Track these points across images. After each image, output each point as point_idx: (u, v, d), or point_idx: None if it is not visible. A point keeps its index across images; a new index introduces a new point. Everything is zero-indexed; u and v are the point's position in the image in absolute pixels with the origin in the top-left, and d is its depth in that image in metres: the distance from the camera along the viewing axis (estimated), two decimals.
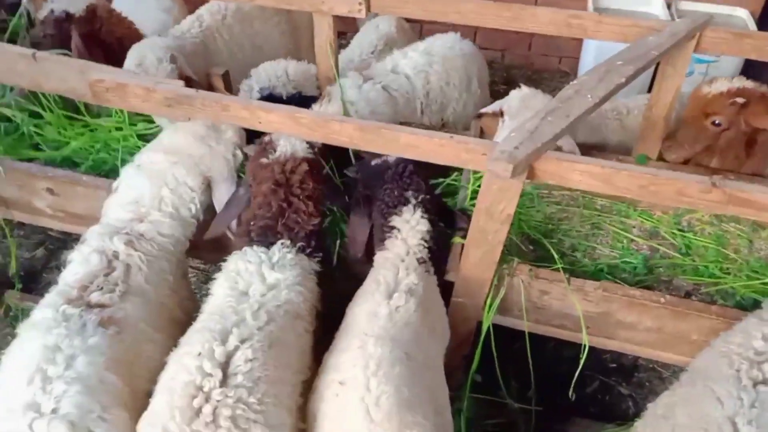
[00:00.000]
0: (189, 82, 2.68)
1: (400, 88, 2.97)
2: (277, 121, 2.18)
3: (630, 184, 2.01)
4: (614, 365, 3.26)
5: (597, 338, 2.49)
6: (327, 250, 2.37)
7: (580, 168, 2.02)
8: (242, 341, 1.81)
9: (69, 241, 3.58)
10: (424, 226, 2.19)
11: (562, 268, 2.42)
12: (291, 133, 2.22)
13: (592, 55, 4.54)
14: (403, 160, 2.27)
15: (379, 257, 2.17)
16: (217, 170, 2.36)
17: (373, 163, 2.31)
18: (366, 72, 3.04)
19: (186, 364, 1.74)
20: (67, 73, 2.28)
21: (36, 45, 2.98)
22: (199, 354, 1.75)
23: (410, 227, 2.17)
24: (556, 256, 2.45)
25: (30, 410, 1.66)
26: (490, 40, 5.62)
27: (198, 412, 1.64)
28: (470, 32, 5.45)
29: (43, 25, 3.04)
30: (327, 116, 2.20)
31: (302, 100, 2.81)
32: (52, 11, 3.03)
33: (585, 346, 2.38)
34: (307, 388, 1.97)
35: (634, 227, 2.75)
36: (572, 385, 2.47)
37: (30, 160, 2.82)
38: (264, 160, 2.26)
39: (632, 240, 2.69)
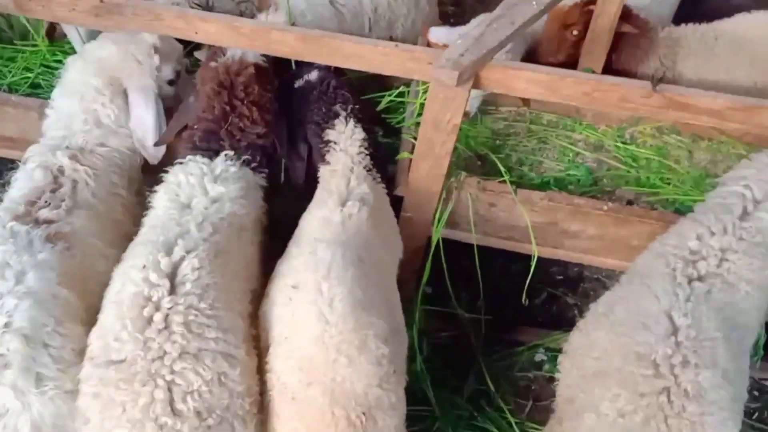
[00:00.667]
0: None
1: (348, 3, 2.87)
2: (215, 31, 2.09)
3: (574, 91, 2.02)
4: (561, 277, 3.35)
5: (544, 248, 2.53)
6: (275, 167, 2.33)
7: (526, 76, 2.01)
8: (188, 252, 1.79)
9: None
10: (360, 134, 2.17)
11: (509, 181, 2.45)
12: (230, 44, 2.13)
13: None
14: (326, 77, 2.24)
15: (324, 171, 2.14)
16: (127, 73, 2.23)
17: (296, 85, 2.26)
18: None
19: (132, 277, 1.73)
20: None
21: None
22: (144, 266, 1.73)
23: (346, 137, 2.15)
24: (503, 169, 2.47)
25: None
26: None
27: (149, 320, 1.64)
28: None
29: None
30: (268, 25, 2.11)
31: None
32: None
33: (534, 255, 2.43)
34: (256, 297, 1.97)
35: (579, 141, 2.79)
36: (524, 294, 2.53)
37: None
38: (212, 63, 2.19)
39: (578, 153, 2.73)
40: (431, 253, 2.46)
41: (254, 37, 2.08)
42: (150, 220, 1.98)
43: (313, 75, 2.24)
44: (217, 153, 2.11)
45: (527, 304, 2.62)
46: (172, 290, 1.70)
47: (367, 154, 2.17)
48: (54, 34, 2.82)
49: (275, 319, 1.85)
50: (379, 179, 2.21)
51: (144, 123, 2.21)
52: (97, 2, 2.06)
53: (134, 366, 1.59)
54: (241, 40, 2.10)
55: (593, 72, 2.86)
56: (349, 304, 1.73)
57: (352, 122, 2.16)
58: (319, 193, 2.11)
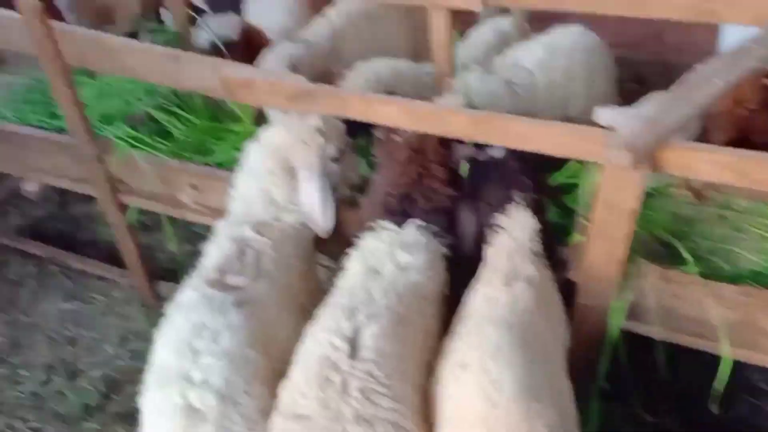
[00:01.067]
0: None
1: (522, 82, 2.91)
2: (393, 113, 2.21)
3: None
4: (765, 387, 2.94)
5: (738, 350, 2.25)
6: (456, 235, 2.36)
7: (710, 158, 1.85)
8: (369, 318, 1.86)
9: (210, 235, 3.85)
10: (532, 221, 2.12)
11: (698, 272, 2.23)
12: (407, 126, 2.24)
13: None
14: (509, 159, 2.22)
15: (490, 251, 2.12)
16: (296, 154, 2.38)
17: (479, 159, 2.27)
18: (487, 66, 3.00)
19: (318, 338, 1.84)
20: (203, 72, 2.46)
21: None
22: (329, 329, 1.83)
23: (517, 224, 2.12)
24: (689, 257, 2.26)
25: (182, 380, 1.82)
26: (620, 36, 5.34)
27: (329, 381, 1.71)
28: (597, 28, 5.25)
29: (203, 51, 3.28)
30: (441, 108, 2.19)
31: None
32: (213, 41, 3.30)
33: (726, 356, 2.17)
34: (431, 371, 1.97)
35: None
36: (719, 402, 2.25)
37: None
38: (396, 138, 2.31)
39: None
40: (609, 346, 2.30)
41: (429, 120, 2.17)
42: (341, 281, 2.10)
43: (498, 153, 2.24)
44: (408, 217, 2.22)
45: (722, 413, 2.33)
46: (353, 354, 1.77)
47: (537, 239, 2.12)
48: (259, 117, 3.17)
49: (441, 397, 1.84)
50: (548, 264, 2.14)
51: (312, 199, 2.36)
52: (294, 90, 2.29)
53: (316, 423, 1.67)
54: (417, 122, 2.20)
55: None
56: (517, 389, 1.67)
57: (526, 211, 2.13)
58: (485, 272, 2.09)
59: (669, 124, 1.87)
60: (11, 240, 4.10)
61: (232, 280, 2.16)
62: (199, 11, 3.53)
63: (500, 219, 2.14)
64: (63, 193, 4.37)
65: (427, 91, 2.90)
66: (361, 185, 2.62)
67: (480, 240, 2.17)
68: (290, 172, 2.41)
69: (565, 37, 3.22)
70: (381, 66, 3.13)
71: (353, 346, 1.77)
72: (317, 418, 1.65)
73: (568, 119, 3.05)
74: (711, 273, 2.32)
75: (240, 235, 2.29)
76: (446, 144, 2.28)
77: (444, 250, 2.21)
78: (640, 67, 5.14)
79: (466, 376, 1.76)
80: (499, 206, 2.15)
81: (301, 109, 2.36)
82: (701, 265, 2.31)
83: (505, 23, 3.79)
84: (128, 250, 3.32)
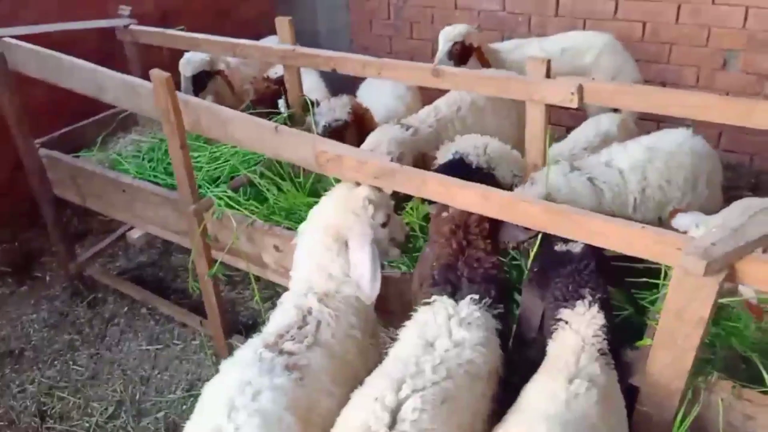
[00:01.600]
0: None
1: (609, 182, 2.89)
2: (469, 198, 2.28)
3: None
4: None
5: None
6: (507, 305, 2.37)
7: None
8: (414, 391, 1.88)
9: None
10: (600, 320, 2.09)
11: None
12: (481, 211, 2.30)
13: None
14: (588, 255, 2.21)
15: (554, 346, 2.10)
16: (348, 225, 2.43)
17: (556, 248, 2.28)
18: (577, 162, 3.03)
19: (362, 404, 1.89)
20: (300, 145, 2.65)
21: None
22: (376, 399, 1.86)
23: (584, 321, 2.09)
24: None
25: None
26: (738, 143, 5.25)
27: None
28: (714, 134, 5.17)
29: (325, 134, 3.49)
30: (516, 197, 2.24)
31: (487, 177, 2.87)
32: (328, 124, 3.54)
33: None
34: None
35: None
36: None
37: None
38: (444, 214, 2.44)
39: None
40: None
41: (503, 207, 2.22)
42: (394, 350, 2.14)
43: (577, 247, 2.25)
44: (455, 287, 2.27)
45: None
46: (392, 425, 1.79)
47: (603, 338, 2.09)
48: None
49: None
50: (613, 365, 2.09)
51: (362, 266, 2.39)
52: (377, 168, 2.43)
53: None
54: (491, 209, 2.26)
55: None
56: None
57: (595, 308, 2.11)
58: (547, 366, 2.07)
59: (752, 236, 1.83)
60: (112, 281, 4.42)
61: (289, 345, 2.22)
62: (314, 103, 3.80)
63: (567, 314, 2.12)
64: (166, 243, 4.71)
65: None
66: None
67: (540, 328, 2.16)
68: (344, 245, 2.45)
69: (667, 139, 3.17)
70: (492, 142, 3.18)
71: (394, 417, 1.79)
72: None
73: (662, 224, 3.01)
74: None
75: (304, 304, 2.37)
76: (495, 223, 2.39)
77: (497, 324, 2.22)
78: (758, 175, 4.99)
79: None
80: (568, 301, 2.14)
81: (384, 186, 2.48)
82: None
83: (607, 121, 3.81)
84: (210, 301, 3.50)
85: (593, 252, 2.23)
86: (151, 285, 4.46)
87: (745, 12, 4.92)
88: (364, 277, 2.39)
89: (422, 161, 3.38)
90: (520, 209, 2.19)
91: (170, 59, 4.28)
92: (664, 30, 5.29)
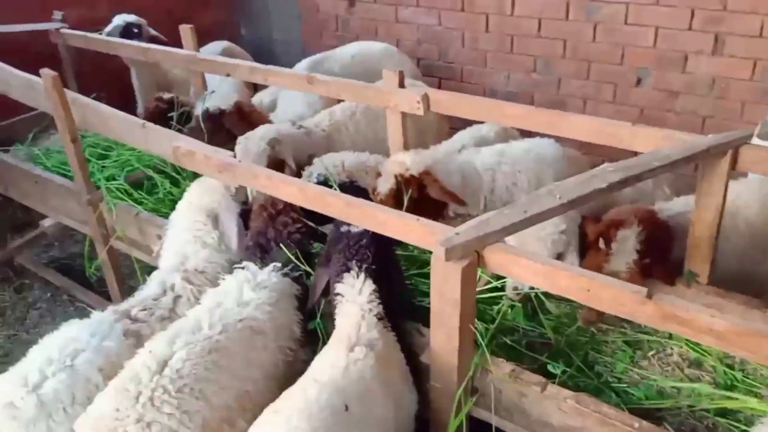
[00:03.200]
0: (282, 165, 3.25)
1: (464, 180, 3.15)
2: (289, 190, 2.55)
3: (571, 285, 1.97)
4: None
5: None
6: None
7: (524, 263, 2.04)
8: (187, 344, 2.16)
9: None
10: (370, 287, 2.37)
11: (559, 380, 2.36)
12: (299, 202, 2.57)
13: None
14: (364, 235, 2.47)
15: (338, 318, 2.36)
16: (216, 202, 2.91)
17: (341, 229, 2.55)
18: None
19: (140, 357, 2.16)
20: (162, 140, 2.93)
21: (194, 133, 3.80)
22: (150, 351, 2.15)
23: (356, 291, 2.37)
24: (551, 364, 2.39)
25: (20, 380, 2.15)
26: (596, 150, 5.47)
27: (127, 390, 2.02)
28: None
29: (201, 119, 3.81)
30: (325, 192, 2.50)
31: (354, 189, 3.15)
32: (207, 109, 3.82)
33: None
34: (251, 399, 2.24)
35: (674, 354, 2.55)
36: None
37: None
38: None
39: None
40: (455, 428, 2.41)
41: (315, 199, 2.49)
42: (190, 311, 2.41)
43: (356, 229, 2.51)
44: (264, 251, 2.61)
45: None
46: (157, 372, 2.06)
47: (378, 303, 2.36)
48: None
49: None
50: (390, 327, 2.37)
51: (230, 231, 2.86)
52: (219, 163, 2.71)
53: (105, 422, 1.96)
54: (305, 200, 2.52)
55: (695, 276, 2.65)
56: None
57: (362, 276, 2.39)
58: (332, 339, 2.33)
59: (494, 227, 2.08)
60: (38, 269, 4.71)
61: (138, 314, 2.52)
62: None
63: (340, 287, 2.41)
64: None
65: None
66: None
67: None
68: (215, 219, 2.89)
69: (520, 146, 3.42)
70: (348, 157, 3.48)
71: (162, 366, 2.07)
72: (107, 418, 1.96)
73: None
74: (582, 382, 2.45)
75: (168, 280, 2.68)
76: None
77: (296, 291, 2.53)
78: None
79: (273, 419, 1.99)
80: (340, 275, 2.42)
81: (227, 180, 2.76)
82: (580, 374, 2.46)
83: (487, 127, 4.04)
84: (112, 287, 3.78)
85: (369, 234, 2.48)
86: (78, 273, 4.72)
87: (655, 32, 5.17)
88: (232, 240, 2.86)
89: (309, 162, 3.65)
90: (326, 201, 2.45)
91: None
92: (583, 48, 5.54)
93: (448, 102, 3.03)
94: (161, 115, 3.95)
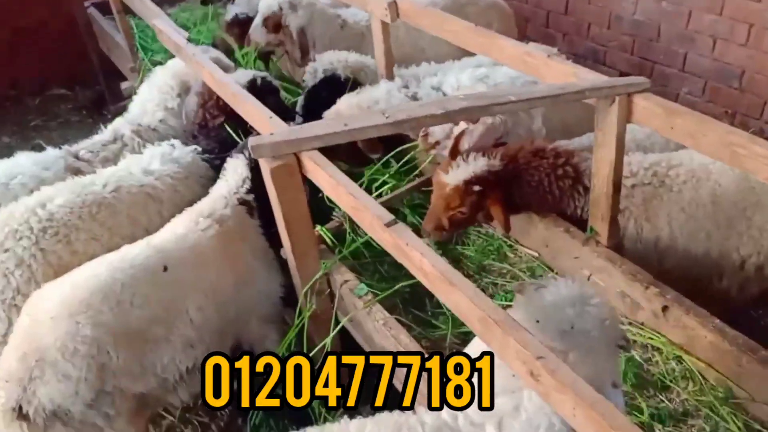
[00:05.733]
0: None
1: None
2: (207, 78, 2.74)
3: (347, 203, 1.95)
4: None
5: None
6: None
7: (325, 176, 2.01)
8: (71, 193, 2.50)
9: None
10: (245, 172, 2.51)
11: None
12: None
13: None
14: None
15: (211, 191, 2.59)
16: (192, 76, 3.15)
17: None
18: (411, 78, 3.23)
19: (32, 196, 2.54)
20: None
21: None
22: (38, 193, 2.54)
23: (231, 171, 2.53)
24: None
25: None
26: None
27: (2, 221, 2.41)
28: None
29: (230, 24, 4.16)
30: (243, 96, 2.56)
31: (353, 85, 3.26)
32: (236, 14, 4.11)
33: None
34: None
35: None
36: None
37: None
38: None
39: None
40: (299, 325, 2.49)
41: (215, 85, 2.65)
42: (101, 170, 2.75)
43: None
44: (196, 139, 2.89)
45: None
46: (33, 211, 2.42)
47: (248, 191, 2.50)
48: None
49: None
50: (257, 216, 2.52)
51: (192, 103, 3.10)
52: (175, 45, 2.95)
53: None
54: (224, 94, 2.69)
55: (595, 233, 2.39)
56: (93, 285, 2.10)
57: (243, 159, 2.54)
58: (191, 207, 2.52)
59: (308, 134, 2.07)
60: None
61: (84, 154, 2.93)
62: None
63: (225, 164, 2.61)
64: None
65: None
66: None
67: None
68: (186, 90, 3.17)
69: (501, 71, 3.19)
70: (351, 56, 3.51)
71: (41, 207, 2.43)
72: None
73: None
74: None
75: (120, 129, 3.07)
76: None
77: (207, 171, 2.78)
78: None
79: (86, 266, 2.21)
80: (234, 155, 2.62)
81: (180, 59, 3.03)
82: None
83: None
84: None
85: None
86: None
87: None
88: (190, 110, 3.11)
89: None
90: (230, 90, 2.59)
91: None
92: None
93: (414, 13, 2.87)
94: None
